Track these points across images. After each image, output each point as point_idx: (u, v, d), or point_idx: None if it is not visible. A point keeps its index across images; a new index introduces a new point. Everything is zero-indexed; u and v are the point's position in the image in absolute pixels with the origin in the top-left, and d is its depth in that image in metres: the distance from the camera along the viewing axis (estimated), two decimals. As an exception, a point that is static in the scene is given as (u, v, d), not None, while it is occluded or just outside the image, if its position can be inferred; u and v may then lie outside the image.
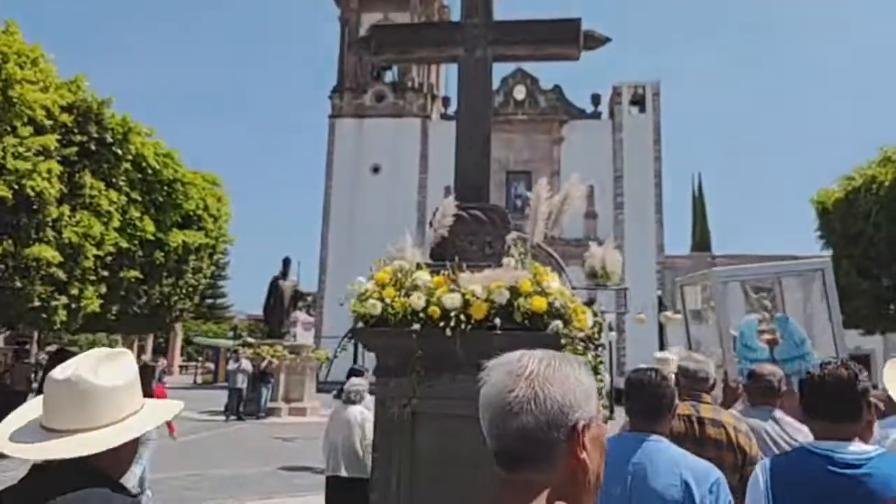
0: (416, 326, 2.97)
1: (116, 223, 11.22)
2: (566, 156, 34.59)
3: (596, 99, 35.74)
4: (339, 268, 31.62)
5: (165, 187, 12.96)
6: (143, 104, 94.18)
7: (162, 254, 13.02)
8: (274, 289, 17.70)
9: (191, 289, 15.58)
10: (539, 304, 2.95)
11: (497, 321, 2.93)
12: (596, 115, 35.55)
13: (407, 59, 6.96)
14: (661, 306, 15.40)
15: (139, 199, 12.10)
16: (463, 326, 2.93)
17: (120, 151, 10.97)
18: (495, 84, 35.68)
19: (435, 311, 2.98)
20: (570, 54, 3.83)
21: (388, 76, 37.25)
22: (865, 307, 13.45)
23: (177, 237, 13.31)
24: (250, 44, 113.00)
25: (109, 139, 10.75)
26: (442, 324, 2.94)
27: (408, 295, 3.08)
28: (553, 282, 3.09)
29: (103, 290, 11.90)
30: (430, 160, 35.32)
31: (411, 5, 36.11)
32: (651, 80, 35.18)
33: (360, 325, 3.11)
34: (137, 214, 11.76)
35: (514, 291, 2.99)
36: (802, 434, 2.76)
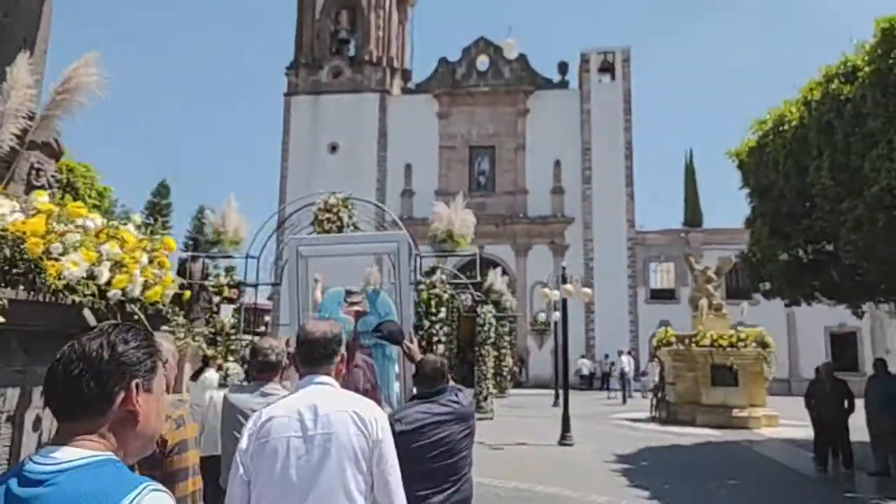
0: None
1: None
2: (532, 128, 33.05)
3: (563, 68, 34.07)
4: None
5: None
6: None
7: None
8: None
9: None
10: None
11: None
12: (563, 85, 33.92)
13: None
14: (564, 280, 13.97)
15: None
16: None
17: None
18: (457, 55, 34.34)
19: None
20: None
21: (348, 51, 35.49)
22: (779, 274, 11.72)
23: None
24: (208, 20, 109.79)
25: None
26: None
27: None
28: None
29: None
30: (388, 137, 33.74)
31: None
32: (621, 46, 33.49)
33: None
34: None
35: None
36: None
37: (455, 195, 32.87)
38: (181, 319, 3.77)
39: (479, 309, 17.86)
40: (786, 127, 10.71)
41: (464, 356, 23.05)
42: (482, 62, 34.00)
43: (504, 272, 31.35)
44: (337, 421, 2.16)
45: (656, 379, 19.75)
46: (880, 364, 10.39)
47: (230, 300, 10.21)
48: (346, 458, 2.12)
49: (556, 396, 20.29)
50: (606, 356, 29.90)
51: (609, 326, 30.80)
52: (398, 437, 3.07)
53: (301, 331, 2.48)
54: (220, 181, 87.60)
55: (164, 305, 3.54)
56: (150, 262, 3.57)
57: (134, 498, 1.13)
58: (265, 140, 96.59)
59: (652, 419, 17.53)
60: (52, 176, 3.63)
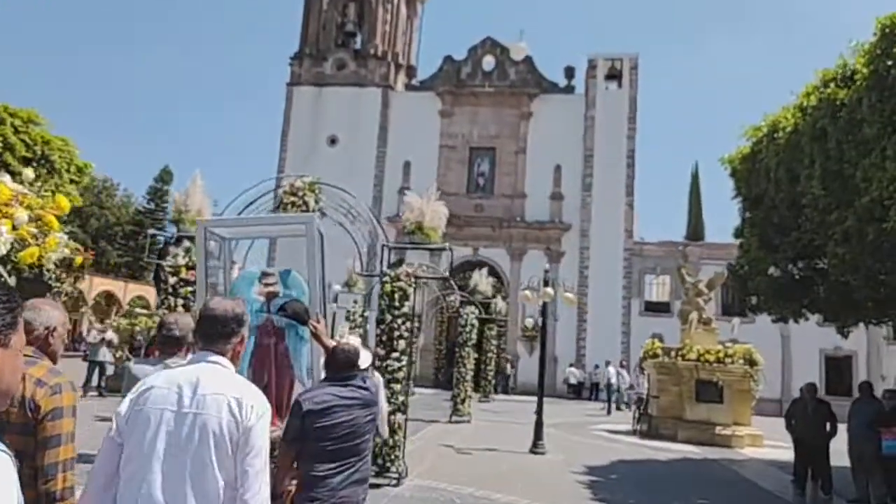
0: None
1: None
2: (534, 132, 32.58)
3: (570, 72, 33.58)
4: (289, 248, 29.78)
5: None
6: (80, 71, 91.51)
7: None
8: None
9: None
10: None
11: None
12: (569, 90, 33.44)
13: None
14: (546, 283, 13.45)
15: None
16: None
17: None
18: (463, 54, 33.92)
19: None
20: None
21: (354, 44, 35.11)
22: (766, 288, 11.15)
23: None
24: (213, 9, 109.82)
25: None
26: None
27: None
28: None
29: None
30: (389, 133, 33.32)
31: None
32: (629, 53, 33.01)
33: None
34: None
35: None
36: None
37: (453, 196, 32.60)
38: (67, 287, 3.39)
39: (461, 310, 17.42)
40: (780, 133, 10.22)
41: (451, 358, 22.62)
42: (488, 62, 33.56)
43: (496, 275, 30.97)
44: (211, 403, 2.14)
45: (643, 391, 19.28)
46: (865, 387, 9.88)
47: (187, 282, 9.80)
48: (212, 443, 2.10)
49: (541, 404, 19.77)
50: (596, 366, 29.39)
51: (601, 336, 30.26)
52: (305, 415, 3.25)
53: (203, 307, 2.48)
54: (221, 168, 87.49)
55: (48, 270, 3.14)
56: (34, 221, 3.20)
57: None
58: (267, 129, 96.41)
59: (633, 432, 17.01)
60: None
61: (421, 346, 29.15)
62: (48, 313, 2.67)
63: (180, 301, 9.92)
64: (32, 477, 2.31)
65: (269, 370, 4.71)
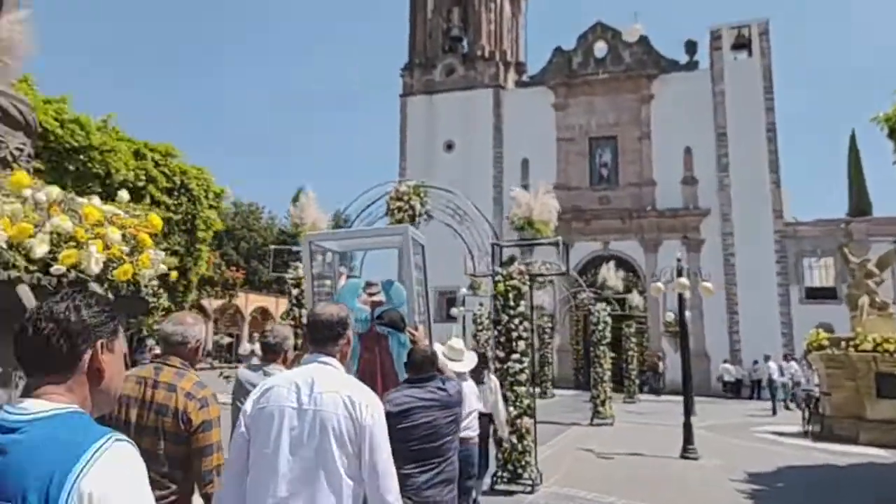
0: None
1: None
2: (657, 115, 30.50)
3: (691, 47, 31.16)
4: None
5: (80, 156, 11.86)
6: (203, 93, 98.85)
7: None
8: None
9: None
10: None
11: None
12: (692, 66, 31.02)
13: None
14: (680, 273, 11.99)
15: (41, 168, 10.91)
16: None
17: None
18: (572, 43, 32.56)
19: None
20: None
21: (462, 48, 34.90)
22: None
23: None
24: (322, 28, 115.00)
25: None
26: None
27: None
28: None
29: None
30: (504, 132, 32.64)
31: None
32: (757, 19, 30.07)
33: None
34: (44, 182, 10.50)
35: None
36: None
37: (575, 190, 31.28)
38: (164, 302, 3.16)
39: (592, 307, 16.29)
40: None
41: (589, 358, 21.46)
42: (600, 48, 31.96)
43: (631, 270, 29.22)
44: (328, 401, 2.29)
45: (813, 388, 17.11)
46: None
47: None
48: (333, 437, 2.25)
49: (689, 404, 18.06)
50: (755, 362, 26.81)
51: (757, 329, 27.55)
52: (386, 417, 3.24)
53: (310, 313, 2.65)
54: (348, 184, 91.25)
55: (145, 287, 3.06)
56: (128, 239, 3.04)
57: (101, 446, 1.24)
58: (386, 141, 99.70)
59: (804, 434, 14.98)
60: (18, 149, 3.32)
61: (557, 346, 28.09)
62: (198, 327, 3.01)
63: (304, 311, 9.95)
64: (185, 480, 2.72)
65: (376, 376, 4.81)
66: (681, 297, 12.98)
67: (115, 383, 1.43)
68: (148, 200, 14.07)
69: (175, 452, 2.72)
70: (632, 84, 31.04)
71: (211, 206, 16.60)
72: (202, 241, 15.96)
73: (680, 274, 13.02)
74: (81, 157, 11.92)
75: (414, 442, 3.30)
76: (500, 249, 8.84)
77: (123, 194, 3.53)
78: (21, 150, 3.09)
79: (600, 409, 15.62)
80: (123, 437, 1.29)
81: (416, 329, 4.37)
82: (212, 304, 36.25)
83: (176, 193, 15.26)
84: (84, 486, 1.18)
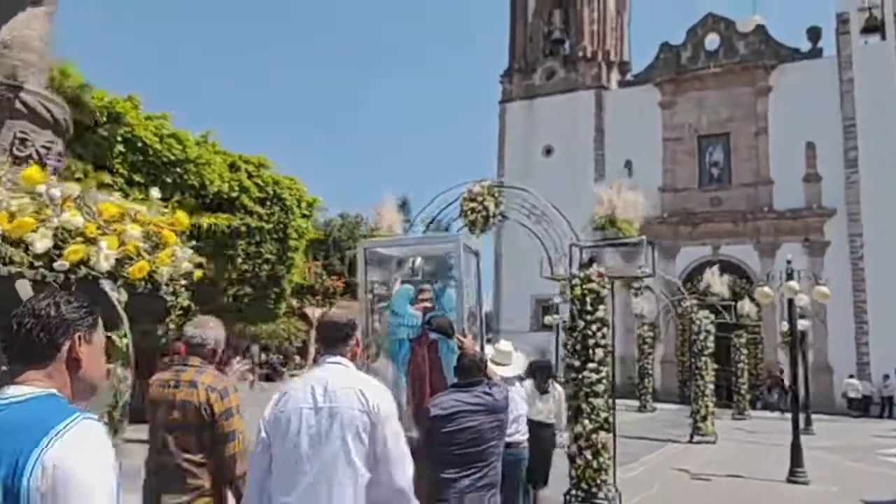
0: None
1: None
2: (775, 108, 28.36)
3: (814, 33, 28.77)
4: (515, 259, 29.61)
5: (176, 168, 12.46)
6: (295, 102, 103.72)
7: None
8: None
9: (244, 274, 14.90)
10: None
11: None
12: (816, 54, 28.62)
13: None
14: (790, 276, 10.88)
15: (142, 181, 11.63)
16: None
17: (105, 133, 10.71)
18: (681, 37, 31.00)
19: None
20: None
21: (564, 50, 34.21)
22: None
23: (204, 220, 12.75)
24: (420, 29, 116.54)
25: (87, 122, 10.40)
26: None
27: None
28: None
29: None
30: (606, 134, 31.62)
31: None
32: (892, -3, 27.27)
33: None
34: (142, 196, 11.20)
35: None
36: None
37: (683, 191, 29.77)
38: (183, 302, 3.30)
39: (693, 315, 15.33)
40: None
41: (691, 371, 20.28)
42: (711, 41, 30.19)
43: (745, 276, 27.36)
44: (342, 395, 2.42)
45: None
46: None
47: (381, 297, 9.83)
48: (349, 430, 2.38)
49: (806, 422, 16.58)
50: (886, 377, 24.25)
51: (889, 340, 24.88)
52: (432, 420, 3.42)
53: (321, 316, 2.82)
54: (444, 189, 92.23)
55: (166, 286, 3.02)
56: (150, 236, 3.03)
57: (68, 424, 1.33)
58: (485, 148, 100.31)
59: (943, 460, 13.29)
60: (45, 147, 3.32)
61: (661, 357, 26.80)
62: (216, 332, 3.26)
63: (376, 316, 10.03)
64: (215, 466, 2.98)
65: (425, 379, 4.98)
66: (791, 303, 11.90)
67: (93, 372, 1.52)
68: (241, 210, 14.76)
69: (206, 441, 2.98)
70: (747, 76, 29.07)
71: (304, 216, 17.10)
72: (294, 249, 16.46)
73: (790, 277, 11.96)
74: (178, 169, 12.72)
75: (458, 446, 3.36)
76: (581, 251, 8.49)
77: (155, 192, 3.58)
78: (48, 147, 3.10)
79: (700, 425, 14.64)
80: (92, 415, 1.39)
81: (465, 336, 4.42)
82: (314, 312, 37.55)
83: (268, 203, 15.82)
84: (47, 458, 1.27)
